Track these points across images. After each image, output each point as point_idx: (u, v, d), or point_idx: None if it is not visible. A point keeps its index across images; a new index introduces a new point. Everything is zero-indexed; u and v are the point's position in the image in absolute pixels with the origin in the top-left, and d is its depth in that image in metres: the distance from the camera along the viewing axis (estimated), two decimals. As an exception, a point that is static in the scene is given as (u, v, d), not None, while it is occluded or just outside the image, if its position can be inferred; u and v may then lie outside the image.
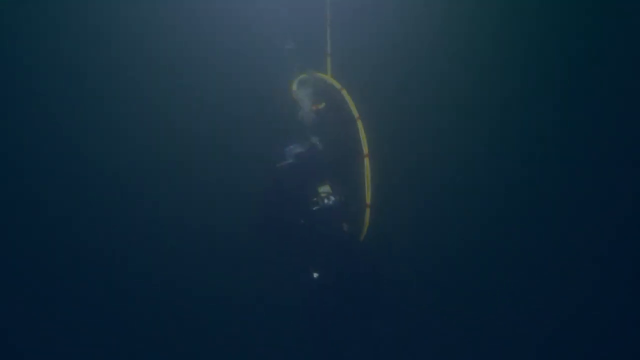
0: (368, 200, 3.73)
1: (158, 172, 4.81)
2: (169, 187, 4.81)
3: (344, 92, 3.86)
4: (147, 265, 4.77)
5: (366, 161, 3.73)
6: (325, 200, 3.82)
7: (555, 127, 4.87)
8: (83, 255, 4.75)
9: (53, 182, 4.78)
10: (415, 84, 4.76)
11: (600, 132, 4.83)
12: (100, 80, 4.75)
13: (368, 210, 3.74)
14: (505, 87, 4.83)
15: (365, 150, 3.74)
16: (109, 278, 4.76)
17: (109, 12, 4.67)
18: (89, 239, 4.77)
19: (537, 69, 4.88)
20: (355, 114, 3.79)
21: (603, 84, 4.80)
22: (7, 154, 4.79)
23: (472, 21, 4.76)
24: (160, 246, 4.80)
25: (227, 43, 4.56)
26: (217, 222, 4.67)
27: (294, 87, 3.92)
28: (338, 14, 3.99)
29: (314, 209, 3.81)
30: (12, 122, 4.79)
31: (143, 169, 4.79)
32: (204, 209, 4.74)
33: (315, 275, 3.71)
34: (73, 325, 4.68)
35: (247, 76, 4.52)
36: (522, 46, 4.83)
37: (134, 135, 4.79)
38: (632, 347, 4.33)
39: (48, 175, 4.77)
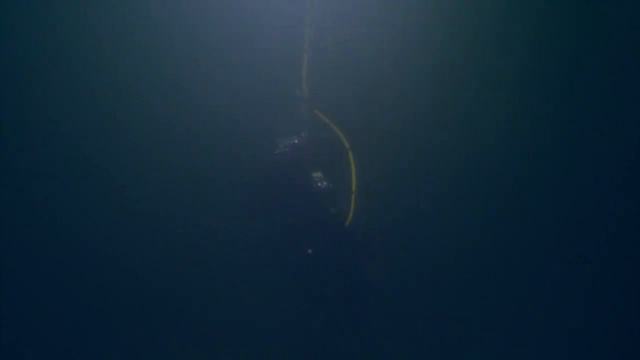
0: (354, 189, 4.30)
1: (152, 169, 4.83)
2: (164, 185, 4.84)
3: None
4: (145, 263, 4.79)
5: (350, 154, 4.33)
6: (319, 184, 4.32)
7: (554, 128, 4.98)
8: (83, 255, 4.76)
9: (53, 182, 4.81)
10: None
11: (600, 132, 4.94)
12: (99, 80, 4.85)
13: (353, 197, 4.29)
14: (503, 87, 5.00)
15: (347, 144, 4.36)
16: (110, 276, 4.76)
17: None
18: (89, 239, 4.78)
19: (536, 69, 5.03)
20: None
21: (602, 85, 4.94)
22: (6, 154, 4.79)
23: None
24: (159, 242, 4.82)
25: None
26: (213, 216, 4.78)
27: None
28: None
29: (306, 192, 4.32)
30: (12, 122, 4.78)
31: (137, 161, 4.82)
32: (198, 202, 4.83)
33: (310, 251, 4.19)
34: (73, 326, 4.69)
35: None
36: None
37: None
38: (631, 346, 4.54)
39: (47, 176, 4.80)
